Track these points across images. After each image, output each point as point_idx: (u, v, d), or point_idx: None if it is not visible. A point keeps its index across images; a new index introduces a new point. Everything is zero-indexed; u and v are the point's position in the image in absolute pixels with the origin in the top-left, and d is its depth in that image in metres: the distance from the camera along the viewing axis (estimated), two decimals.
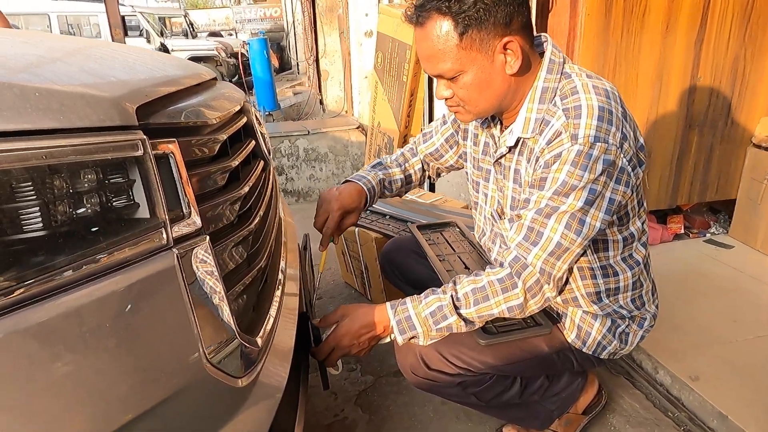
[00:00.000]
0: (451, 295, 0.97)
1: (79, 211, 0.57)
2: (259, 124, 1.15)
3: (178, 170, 0.67)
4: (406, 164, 1.34)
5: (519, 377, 1.09)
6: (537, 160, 0.95)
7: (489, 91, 0.96)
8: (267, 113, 6.31)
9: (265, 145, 1.13)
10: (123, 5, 13.13)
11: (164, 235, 0.63)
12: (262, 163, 1.04)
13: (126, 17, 11.03)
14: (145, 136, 0.63)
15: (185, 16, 13.18)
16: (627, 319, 1.10)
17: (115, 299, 0.56)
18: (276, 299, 0.90)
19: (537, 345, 1.06)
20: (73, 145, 0.55)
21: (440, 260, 1.24)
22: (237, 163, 0.83)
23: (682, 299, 1.77)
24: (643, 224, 1.07)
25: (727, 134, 2.08)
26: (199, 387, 0.63)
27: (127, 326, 0.56)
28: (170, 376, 0.60)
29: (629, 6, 1.78)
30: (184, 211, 0.67)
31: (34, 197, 0.54)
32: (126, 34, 10.70)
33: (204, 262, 0.67)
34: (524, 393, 1.10)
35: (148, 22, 10.71)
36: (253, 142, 1.03)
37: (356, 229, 1.96)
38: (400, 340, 0.99)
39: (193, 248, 0.66)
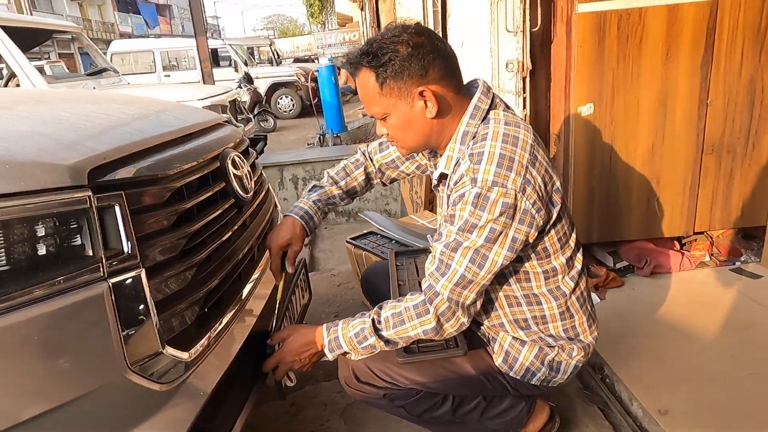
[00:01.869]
0: (373, 319, 1.10)
1: (35, 251, 0.78)
2: (243, 165, 1.35)
3: (121, 217, 0.88)
4: (348, 178, 1.45)
5: (451, 395, 1.18)
6: (449, 197, 1.07)
7: (412, 131, 1.10)
8: (335, 135, 6.67)
9: (244, 183, 1.32)
10: (216, 39, 14.47)
11: (101, 269, 0.83)
12: (230, 201, 1.23)
13: (219, 49, 12.16)
14: (89, 194, 0.84)
15: (270, 45, 14.20)
16: (556, 348, 1.15)
17: (59, 316, 0.76)
18: (226, 317, 1.08)
19: (461, 365, 1.15)
20: (31, 204, 0.77)
21: (399, 284, 1.36)
22: (184, 207, 1.02)
23: (680, 332, 1.72)
24: (569, 260, 1.13)
25: (749, 158, 1.98)
26: (121, 387, 0.81)
27: (63, 337, 0.76)
28: (95, 377, 0.79)
29: (623, 34, 1.79)
30: (124, 249, 0.87)
31: (2, 241, 0.75)
32: (218, 65, 11.84)
33: (136, 289, 0.86)
34: (457, 411, 1.19)
35: (237, 53, 11.67)
36: (223, 183, 1.23)
37: (363, 253, 2.12)
38: (330, 356, 1.13)
39: (128, 279, 0.86)
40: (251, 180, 1.38)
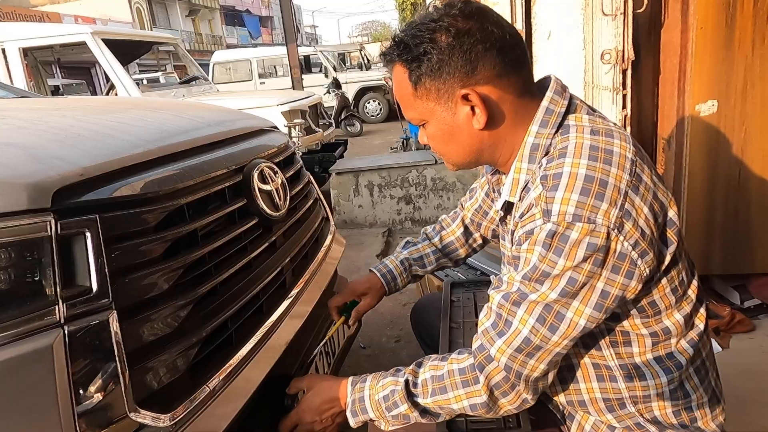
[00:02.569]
0: (407, 380, 0.85)
1: None
2: (276, 177, 1.17)
3: (92, 246, 0.72)
4: (443, 232, 1.25)
5: None
6: (513, 233, 0.80)
7: (454, 145, 0.85)
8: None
9: (274, 199, 1.14)
10: (307, 46, 14.88)
11: (56, 313, 0.67)
12: (252, 221, 1.06)
13: (310, 56, 12.48)
14: (50, 219, 0.69)
15: (361, 50, 14.32)
16: None
17: (7, 366, 0.61)
18: (234, 361, 0.90)
19: None
20: None
21: (452, 327, 1.10)
22: (180, 232, 0.85)
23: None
24: (688, 317, 0.81)
25: None
26: None
27: (9, 393, 0.61)
28: None
29: (763, 11, 1.39)
30: (92, 286, 0.71)
31: None
32: (309, 71, 12.14)
33: (101, 338, 0.70)
34: None
35: (327, 59, 11.88)
36: (244, 200, 1.05)
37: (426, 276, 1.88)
38: (352, 423, 0.90)
39: (92, 324, 0.69)
40: (285, 195, 1.20)
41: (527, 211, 0.76)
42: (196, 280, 0.87)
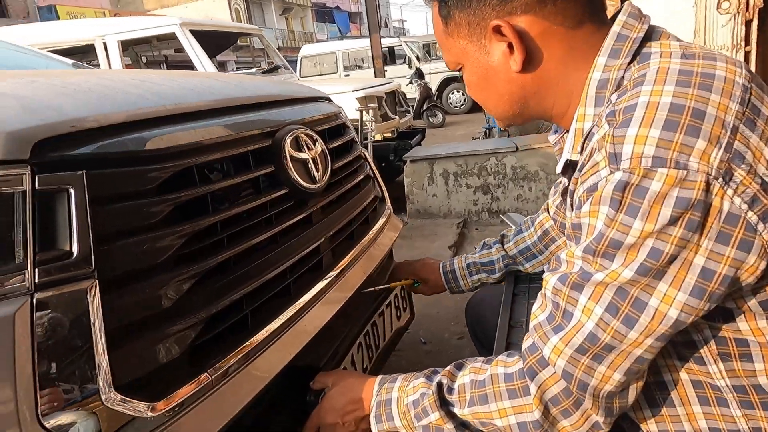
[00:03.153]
0: (441, 383, 0.69)
1: None
2: (314, 146, 1.04)
3: (75, 205, 0.63)
4: (517, 237, 1.11)
5: None
6: (572, 195, 0.61)
7: (492, 92, 0.69)
8: (503, 129, 6.14)
9: (310, 169, 1.02)
10: (392, 38, 14.84)
11: (25, 278, 0.58)
12: (281, 191, 0.93)
13: (395, 47, 12.43)
14: (25, 171, 0.60)
15: None
16: None
17: None
18: (247, 346, 0.78)
19: None
20: None
21: (511, 327, 0.91)
22: (182, 197, 0.74)
23: None
24: None
25: None
26: None
27: None
28: None
29: None
30: (72, 250, 0.62)
31: None
32: (393, 62, 12.12)
33: (76, 309, 0.61)
34: None
35: (411, 50, 11.76)
36: (272, 167, 0.93)
37: None
38: (375, 429, 0.74)
39: (67, 293, 0.60)
40: (326, 167, 1.07)
41: (588, 161, 0.57)
42: (203, 252, 0.76)
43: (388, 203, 1.53)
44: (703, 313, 0.55)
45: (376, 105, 4.13)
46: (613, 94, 0.61)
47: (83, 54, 4.69)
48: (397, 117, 4.56)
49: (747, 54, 1.28)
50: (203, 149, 0.80)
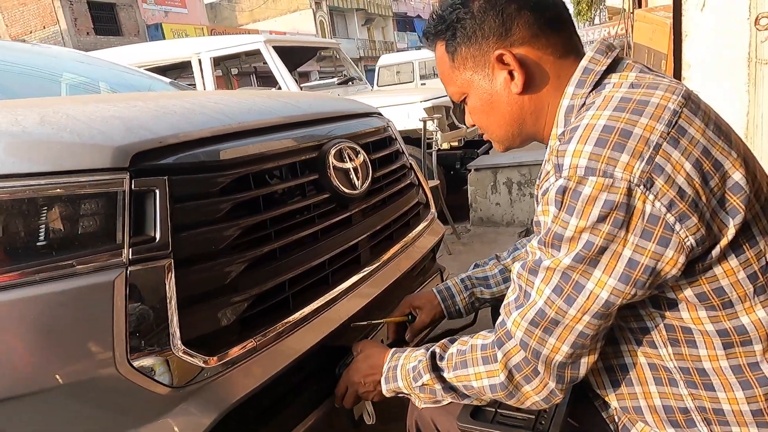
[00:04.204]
0: (434, 352, 0.83)
1: (62, 229, 0.78)
2: (356, 157, 1.20)
3: (159, 202, 0.83)
4: (515, 253, 1.16)
5: None
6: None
7: (496, 115, 0.80)
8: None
9: (351, 177, 1.18)
10: None
11: (122, 255, 0.79)
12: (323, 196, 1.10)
13: None
14: (125, 177, 0.81)
15: None
16: None
17: (70, 295, 0.75)
18: (278, 327, 0.95)
19: None
20: (59, 182, 0.77)
21: None
22: (241, 198, 0.93)
23: None
24: None
25: None
26: (117, 382, 0.76)
27: (68, 318, 0.74)
28: (90, 365, 0.75)
29: None
30: (156, 236, 0.82)
31: (45, 217, 0.78)
32: None
33: (157, 280, 0.80)
34: None
35: None
36: (316, 175, 1.11)
37: None
38: (384, 389, 0.89)
39: (151, 267, 0.80)
40: (366, 175, 1.23)
41: (543, 171, 0.70)
42: (254, 242, 0.95)
43: (432, 209, 1.66)
44: (630, 297, 0.64)
45: (443, 114, 4.25)
46: (574, 117, 0.72)
47: (181, 69, 5.24)
48: (464, 126, 4.65)
49: None
50: (259, 160, 0.99)
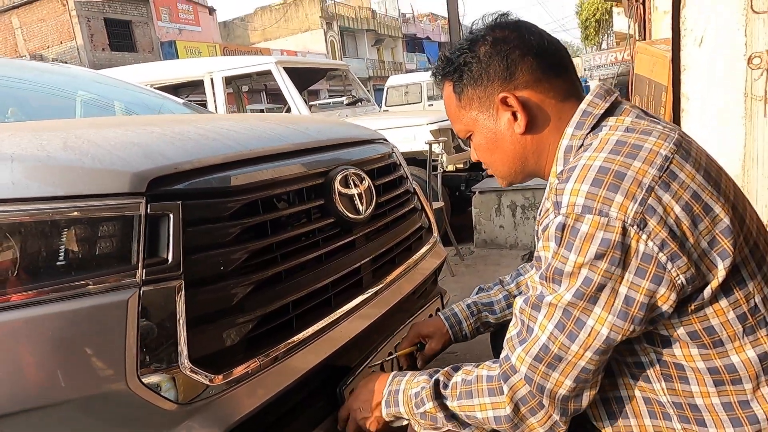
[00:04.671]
0: (438, 380, 0.85)
1: (81, 250, 0.83)
2: (360, 183, 1.25)
3: (173, 226, 0.88)
4: (518, 279, 1.20)
5: None
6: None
7: (499, 153, 0.85)
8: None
9: (355, 203, 1.22)
10: None
11: (137, 275, 0.83)
12: (328, 220, 1.15)
13: None
14: (141, 201, 0.86)
15: None
16: None
17: (84, 314, 0.79)
18: (291, 342, 0.99)
19: None
20: (79, 206, 0.82)
21: None
22: (249, 222, 0.97)
23: None
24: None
25: None
26: (126, 398, 0.79)
27: (81, 334, 0.79)
28: (101, 381, 0.79)
29: None
30: (168, 258, 0.87)
31: (65, 238, 0.83)
32: None
33: (168, 300, 0.84)
34: None
35: None
36: (322, 201, 1.15)
37: None
38: (384, 413, 0.92)
39: (162, 288, 0.85)
40: (370, 200, 1.27)
41: (543, 207, 0.74)
42: (261, 265, 0.99)
43: (435, 233, 1.70)
44: (629, 333, 0.67)
45: (449, 137, 4.31)
46: (573, 157, 0.76)
47: (193, 87, 5.37)
48: (470, 148, 4.72)
49: None
50: (268, 185, 1.04)
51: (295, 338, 1.01)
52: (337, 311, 1.13)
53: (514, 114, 0.80)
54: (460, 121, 0.87)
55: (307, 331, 1.04)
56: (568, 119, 0.79)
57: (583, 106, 0.78)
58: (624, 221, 0.65)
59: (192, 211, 0.91)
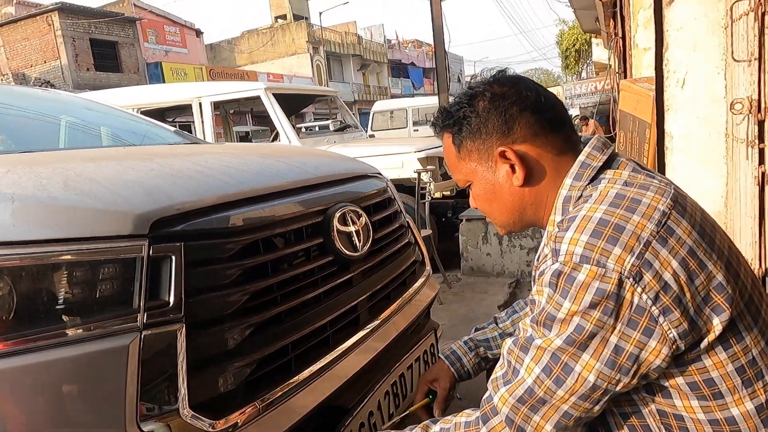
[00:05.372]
0: None
1: (82, 293, 0.82)
2: (358, 221, 1.26)
3: (175, 268, 0.87)
4: (513, 316, 1.22)
5: None
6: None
7: (498, 203, 0.87)
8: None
9: (353, 240, 1.23)
10: None
11: (138, 319, 0.83)
12: (327, 258, 1.15)
13: None
14: (144, 243, 0.85)
15: None
16: None
17: (85, 360, 0.78)
18: (288, 385, 0.98)
19: None
20: (81, 249, 0.82)
21: None
22: (251, 263, 0.97)
23: None
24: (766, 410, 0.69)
25: None
26: None
27: (81, 380, 0.77)
28: (101, 428, 0.77)
29: None
30: (170, 301, 0.86)
31: (65, 282, 0.82)
32: None
33: (169, 344, 0.84)
34: None
35: None
36: (321, 239, 1.16)
37: None
38: None
39: (164, 332, 0.84)
40: (367, 237, 1.28)
41: (541, 253, 0.75)
42: (261, 306, 0.98)
43: (428, 266, 1.71)
44: (616, 383, 0.69)
45: (437, 165, 4.37)
46: (572, 207, 0.79)
47: (180, 110, 5.37)
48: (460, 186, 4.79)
49: (762, 151, 1.37)
50: (268, 225, 1.04)
51: (293, 380, 1.00)
52: (335, 350, 1.12)
53: (512, 167, 0.82)
54: (459, 172, 0.89)
55: (305, 372, 1.03)
56: (565, 171, 0.81)
57: (581, 158, 0.81)
58: (621, 273, 0.67)
59: (193, 253, 0.90)
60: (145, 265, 0.84)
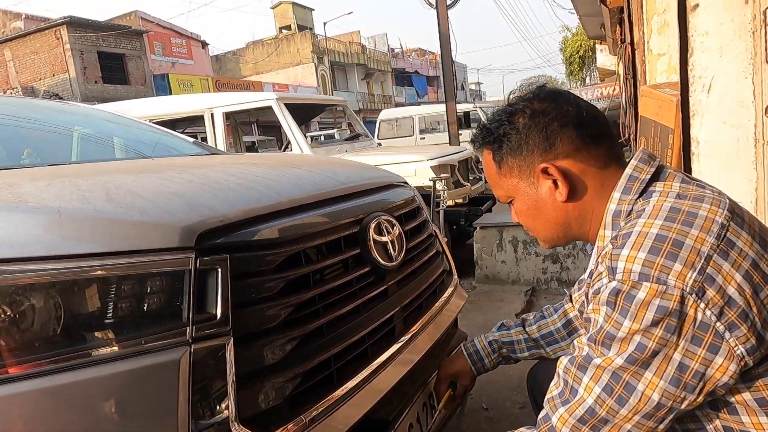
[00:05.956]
0: None
1: (126, 308, 0.81)
2: (392, 230, 1.25)
3: (221, 281, 0.87)
4: (541, 321, 1.21)
5: None
6: (587, 296, 0.77)
7: (541, 219, 0.86)
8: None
9: (389, 250, 1.22)
10: (469, 102, 15.31)
11: (187, 333, 0.82)
12: (364, 269, 1.14)
13: (470, 112, 12.85)
14: (191, 256, 0.85)
15: None
16: None
17: (134, 376, 0.77)
18: (333, 397, 0.97)
19: None
20: (127, 262, 0.81)
21: None
22: (294, 274, 0.96)
23: None
24: None
25: None
26: None
27: (130, 396, 0.76)
28: None
29: None
30: (217, 314, 0.85)
31: (114, 297, 0.81)
32: (468, 126, 12.47)
33: (218, 358, 0.83)
34: None
35: (486, 114, 12.11)
36: (358, 250, 1.15)
37: None
38: None
39: (213, 346, 0.83)
40: (401, 247, 1.27)
41: (596, 270, 0.74)
42: (304, 318, 0.98)
43: (455, 276, 1.69)
44: (681, 400, 0.67)
45: (449, 174, 4.36)
46: (623, 221, 0.77)
47: (190, 121, 5.40)
48: (468, 184, 4.77)
49: None
50: (309, 236, 1.03)
51: (336, 393, 0.99)
52: (374, 362, 1.11)
53: (555, 182, 0.82)
54: (500, 188, 0.89)
55: (347, 384, 1.02)
56: (611, 185, 0.80)
57: (628, 171, 0.80)
58: (683, 290, 0.65)
59: (237, 265, 0.90)
60: (193, 278, 0.84)
